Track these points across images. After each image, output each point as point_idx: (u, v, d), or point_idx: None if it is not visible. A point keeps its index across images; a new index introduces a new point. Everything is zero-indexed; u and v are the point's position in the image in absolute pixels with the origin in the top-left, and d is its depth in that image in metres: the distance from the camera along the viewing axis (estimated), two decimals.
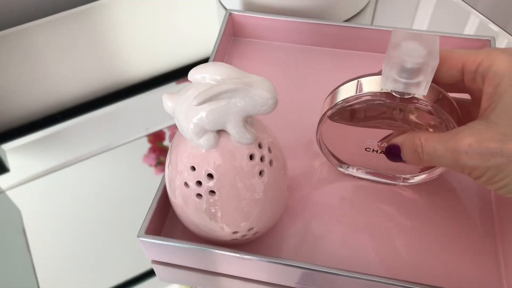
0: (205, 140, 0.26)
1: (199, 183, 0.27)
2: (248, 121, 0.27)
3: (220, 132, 0.26)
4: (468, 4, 0.50)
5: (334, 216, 0.33)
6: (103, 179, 0.39)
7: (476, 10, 0.49)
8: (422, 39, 0.26)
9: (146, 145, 0.41)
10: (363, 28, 0.42)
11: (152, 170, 0.39)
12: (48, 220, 0.37)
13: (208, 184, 0.27)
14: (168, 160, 0.29)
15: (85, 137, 0.42)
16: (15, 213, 0.37)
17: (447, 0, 0.51)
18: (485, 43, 0.40)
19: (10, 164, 0.40)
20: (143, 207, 0.32)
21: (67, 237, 0.35)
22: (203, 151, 0.27)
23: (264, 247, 0.32)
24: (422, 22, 0.49)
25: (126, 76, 0.47)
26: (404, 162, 0.29)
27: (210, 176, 0.27)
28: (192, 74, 0.26)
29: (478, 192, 0.34)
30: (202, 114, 0.25)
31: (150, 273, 0.33)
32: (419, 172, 0.33)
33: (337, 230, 0.33)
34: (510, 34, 0.46)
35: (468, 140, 0.25)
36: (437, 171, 0.32)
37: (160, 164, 0.40)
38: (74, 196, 0.38)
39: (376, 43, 0.42)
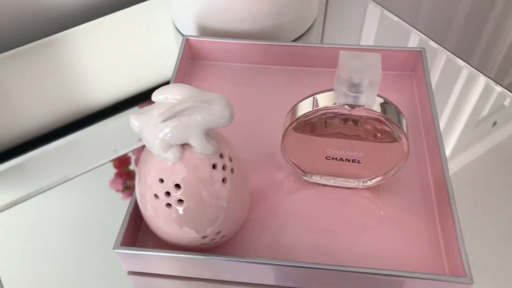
0: (171, 154, 0.29)
1: (167, 193, 0.30)
2: (209, 134, 0.30)
3: (184, 145, 0.29)
4: (408, 23, 0.55)
5: (302, 222, 0.37)
6: (70, 208, 0.39)
7: (415, 28, 0.54)
8: (366, 58, 0.30)
9: (112, 171, 0.42)
10: (309, 46, 0.46)
11: (119, 195, 0.40)
12: (14, 250, 0.37)
13: (176, 194, 0.29)
14: (137, 178, 0.32)
15: (49, 167, 0.42)
16: None
17: (389, 20, 0.56)
18: (416, 54, 0.45)
19: None
20: (112, 232, 0.34)
21: (37, 268, 0.36)
22: (170, 164, 0.29)
23: (234, 248, 0.35)
24: (367, 40, 0.54)
25: (89, 103, 0.48)
26: None
27: (177, 186, 0.29)
28: (155, 95, 0.29)
29: (421, 187, 0.38)
30: (167, 130, 0.28)
31: None
32: (375, 176, 0.37)
33: (305, 234, 0.36)
34: (447, 50, 0.51)
35: None
36: (391, 173, 0.36)
37: (127, 189, 0.41)
38: (42, 226, 0.38)
39: (323, 59, 0.46)
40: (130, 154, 0.43)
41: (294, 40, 0.52)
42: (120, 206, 0.39)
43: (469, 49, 1.15)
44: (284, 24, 0.50)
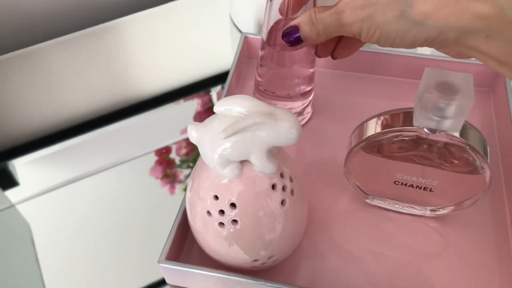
0: (229, 171, 0.26)
1: (221, 212, 0.27)
2: (272, 151, 0.27)
3: (243, 162, 0.27)
4: None
5: (359, 246, 0.34)
6: (111, 193, 0.40)
7: None
8: (455, 78, 0.27)
9: (153, 158, 0.42)
10: (375, 52, 0.42)
11: (158, 182, 0.40)
12: (57, 233, 0.37)
13: (231, 213, 0.27)
14: (190, 185, 0.30)
15: (94, 153, 0.42)
16: (25, 226, 0.38)
17: None
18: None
19: (20, 179, 0.41)
20: (151, 219, 0.36)
21: (75, 249, 0.36)
22: (226, 181, 0.27)
23: (283, 274, 0.32)
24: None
25: (135, 93, 0.48)
26: (302, 43, 0.30)
27: (233, 205, 0.27)
28: (218, 106, 0.26)
29: (494, 221, 0.34)
30: (227, 145, 0.25)
31: (159, 283, 0.34)
32: (446, 205, 0.33)
33: (360, 259, 0.33)
34: None
35: (345, 0, 0.27)
36: (466, 203, 0.32)
37: (166, 177, 0.40)
38: (82, 209, 0.38)
39: (387, 67, 0.43)
40: (172, 145, 0.43)
41: None
42: (159, 194, 0.39)
43: None
44: None
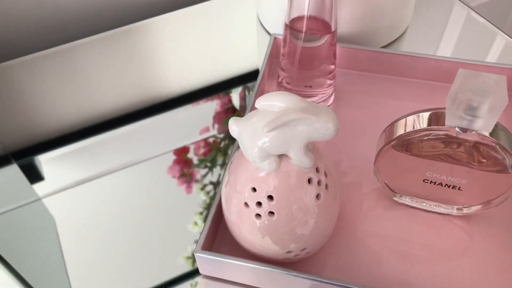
0: (268, 164, 0.27)
1: (259, 204, 0.28)
2: (308, 146, 0.28)
3: (281, 156, 0.28)
4: (495, 26, 0.51)
5: (386, 243, 0.34)
6: (130, 190, 0.41)
7: (502, 31, 0.50)
8: (489, 79, 0.27)
9: (171, 157, 0.42)
10: (403, 55, 0.43)
11: (175, 181, 0.41)
12: (80, 227, 0.38)
13: (268, 205, 0.28)
14: (225, 180, 0.31)
15: (115, 151, 0.44)
16: (50, 220, 0.39)
17: (475, 21, 0.52)
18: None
19: (46, 174, 0.42)
20: (167, 217, 0.37)
21: (99, 243, 0.37)
22: (264, 173, 0.28)
23: (314, 266, 0.33)
24: (451, 43, 0.50)
25: (158, 93, 0.49)
26: None
27: (270, 197, 0.28)
28: (259, 101, 0.27)
29: None
30: (267, 139, 0.27)
31: (180, 278, 0.35)
32: (474, 203, 0.34)
33: (387, 257, 0.34)
34: None
35: None
36: (494, 202, 0.33)
37: (183, 176, 0.41)
38: (104, 204, 0.40)
39: (413, 69, 0.44)
40: (190, 145, 0.43)
41: (384, 47, 0.50)
42: (175, 192, 0.40)
43: None
44: (376, 29, 0.47)
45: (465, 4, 0.54)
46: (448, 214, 0.35)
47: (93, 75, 0.50)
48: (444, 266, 0.33)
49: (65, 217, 0.39)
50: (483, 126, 0.28)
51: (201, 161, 0.42)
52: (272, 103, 0.27)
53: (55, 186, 0.41)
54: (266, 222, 0.29)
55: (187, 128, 0.45)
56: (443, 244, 0.34)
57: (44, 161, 0.43)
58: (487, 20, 0.52)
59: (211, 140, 0.44)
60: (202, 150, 0.43)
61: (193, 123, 0.45)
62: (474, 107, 0.27)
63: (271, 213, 0.28)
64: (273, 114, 0.26)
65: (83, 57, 0.52)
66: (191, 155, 0.43)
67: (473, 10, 0.53)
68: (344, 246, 0.34)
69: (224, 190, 0.31)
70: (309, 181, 0.28)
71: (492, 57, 0.49)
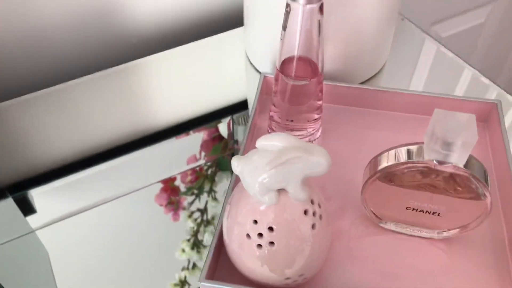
0: (268, 198, 0.30)
1: (260, 235, 0.31)
2: (304, 181, 0.31)
3: (279, 190, 0.31)
4: (463, 59, 0.56)
5: (374, 266, 0.37)
6: (120, 221, 0.42)
7: (469, 64, 0.55)
8: (460, 118, 0.31)
9: (158, 185, 0.44)
10: (382, 91, 0.47)
11: (162, 209, 0.42)
12: (72, 258, 0.40)
13: (269, 236, 0.31)
14: (226, 212, 0.33)
15: (105, 183, 0.45)
16: (43, 251, 0.40)
17: (444, 55, 0.57)
18: (491, 106, 0.45)
19: (38, 206, 0.44)
20: (155, 246, 0.39)
21: (90, 273, 0.39)
22: (265, 207, 0.31)
23: None
24: (422, 76, 0.55)
25: (148, 127, 0.51)
26: None
27: (270, 229, 0.31)
28: (260, 141, 0.30)
29: (494, 242, 0.38)
30: (267, 175, 0.29)
31: None
32: (452, 228, 0.37)
33: (376, 278, 0.37)
34: (499, 87, 0.52)
35: None
36: (470, 226, 0.36)
37: (170, 203, 0.43)
38: (95, 235, 0.41)
39: (393, 103, 0.48)
40: (177, 175, 0.45)
41: (364, 82, 0.53)
42: (162, 221, 0.42)
43: None
44: (357, 66, 0.51)
45: (434, 38, 0.59)
46: (430, 238, 0.39)
47: (84, 112, 0.52)
48: (428, 286, 0.36)
49: (57, 248, 0.41)
50: (457, 159, 0.32)
51: (188, 189, 0.44)
52: (272, 143, 0.30)
53: (48, 218, 0.42)
54: (266, 252, 0.31)
55: (174, 158, 0.47)
56: (427, 265, 0.37)
57: (36, 194, 0.45)
58: (455, 54, 0.57)
59: (198, 168, 0.45)
60: (189, 178, 0.45)
61: (181, 153, 0.47)
62: (449, 142, 0.31)
63: (272, 243, 0.31)
64: (272, 153, 0.29)
65: (75, 95, 0.54)
66: (178, 182, 0.44)
67: (442, 45, 0.58)
68: (338, 270, 0.37)
69: (225, 222, 0.33)
70: (305, 212, 0.31)
71: (460, 89, 0.53)
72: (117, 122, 0.51)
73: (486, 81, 0.53)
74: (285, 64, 0.41)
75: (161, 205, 0.43)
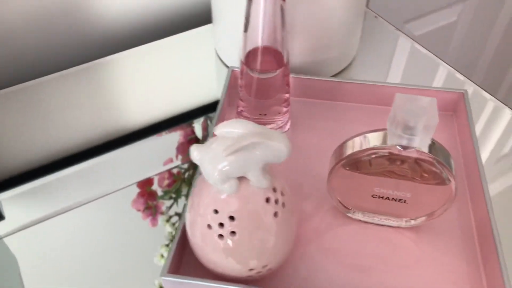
0: (228, 186, 0.29)
1: (221, 224, 0.30)
2: (265, 168, 0.30)
3: (240, 178, 0.30)
4: (437, 56, 0.56)
5: (342, 257, 0.37)
6: (94, 226, 0.41)
7: (444, 61, 0.55)
8: (422, 101, 0.31)
9: (135, 190, 0.43)
10: (351, 83, 0.47)
11: (140, 215, 0.41)
12: (43, 265, 0.38)
13: (230, 225, 0.30)
14: (189, 205, 0.33)
15: (77, 186, 0.44)
16: (12, 259, 0.39)
17: (419, 52, 0.57)
18: (459, 96, 0.45)
19: (6, 213, 0.42)
20: (133, 252, 0.38)
21: (63, 281, 0.37)
22: (225, 195, 0.30)
23: (276, 282, 0.35)
24: (397, 73, 0.55)
25: (121, 127, 0.50)
26: None
27: (231, 218, 0.30)
28: (218, 128, 0.30)
29: (462, 229, 0.38)
30: (227, 163, 0.29)
31: None
32: (420, 216, 0.37)
33: (344, 270, 0.36)
34: (475, 83, 0.52)
35: None
36: (436, 214, 0.36)
37: (148, 208, 0.42)
38: (68, 241, 0.40)
39: (362, 95, 0.47)
40: (154, 177, 0.44)
41: (334, 76, 0.53)
42: (140, 226, 0.41)
43: (496, 83, 1.16)
44: (326, 60, 0.51)
45: (408, 36, 0.59)
46: (398, 227, 0.38)
47: (54, 112, 0.51)
48: (397, 275, 0.36)
49: (27, 255, 0.39)
50: (420, 143, 0.31)
51: (165, 193, 0.43)
52: (230, 129, 0.29)
53: (17, 224, 0.41)
54: (228, 242, 0.30)
55: (151, 160, 0.46)
56: (395, 255, 0.37)
57: (4, 200, 0.43)
58: (429, 51, 0.57)
59: (175, 171, 0.45)
60: (166, 182, 0.44)
61: (157, 155, 0.46)
62: (410, 126, 0.31)
63: (233, 232, 0.30)
64: (231, 140, 0.29)
65: (43, 94, 0.53)
66: (155, 187, 0.43)
67: (416, 42, 0.58)
68: (304, 262, 0.36)
69: (188, 215, 0.33)
70: (267, 200, 0.30)
71: (436, 85, 0.53)
72: (88, 122, 0.50)
73: (461, 77, 0.53)
74: (249, 57, 0.41)
75: (138, 210, 0.42)
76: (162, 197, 0.43)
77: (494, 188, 0.43)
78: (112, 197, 0.43)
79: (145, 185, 0.43)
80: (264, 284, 0.35)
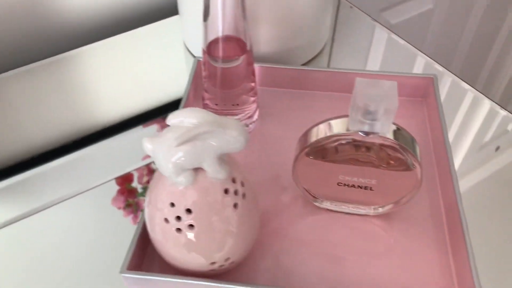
0: (184, 178, 0.28)
1: (178, 218, 0.29)
2: (222, 158, 0.29)
3: (196, 169, 0.29)
4: (414, 47, 0.55)
5: (310, 248, 0.36)
6: (73, 225, 0.39)
7: (421, 51, 0.54)
8: (382, 85, 0.30)
9: (114, 188, 0.42)
10: (321, 70, 0.46)
11: (120, 212, 0.40)
12: (19, 266, 0.37)
13: (187, 218, 0.29)
14: (147, 200, 0.31)
15: (53, 184, 0.42)
16: None
17: (396, 43, 0.56)
18: (428, 81, 0.45)
19: None
20: (113, 250, 0.36)
21: (41, 283, 0.36)
22: (181, 188, 0.29)
23: (241, 275, 0.34)
24: (374, 63, 0.54)
25: (94, 121, 0.49)
26: None
27: (188, 211, 0.29)
28: (170, 118, 0.28)
29: (431, 215, 0.38)
30: (180, 154, 0.28)
31: None
32: (387, 203, 0.36)
33: (313, 260, 0.35)
34: (452, 73, 0.52)
35: None
36: (403, 201, 0.35)
37: (128, 206, 0.41)
38: (45, 241, 0.38)
39: (334, 84, 0.46)
40: (133, 172, 0.43)
41: (304, 64, 0.52)
42: (121, 224, 0.39)
43: (475, 73, 1.16)
44: (294, 48, 0.50)
45: (384, 26, 0.58)
46: (366, 215, 0.38)
47: (22, 108, 0.49)
48: (368, 264, 0.35)
49: (2, 256, 0.38)
50: (381, 128, 0.31)
51: (145, 189, 0.42)
52: (183, 119, 0.28)
53: None
54: (187, 235, 0.29)
55: (128, 155, 0.45)
56: (365, 244, 0.36)
57: None
58: (407, 41, 0.56)
59: (154, 166, 0.44)
60: (145, 178, 0.43)
61: (135, 150, 0.45)
62: (371, 111, 0.30)
63: (191, 226, 0.29)
64: (184, 130, 0.27)
65: (10, 90, 0.51)
66: (135, 184, 0.42)
67: (393, 32, 0.57)
68: (270, 254, 0.35)
69: (146, 210, 0.32)
70: (226, 191, 0.29)
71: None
72: (58, 118, 0.49)
73: (439, 68, 0.53)
74: (211, 46, 0.39)
75: (119, 208, 0.41)
76: (142, 194, 0.42)
77: (463, 174, 0.42)
78: (91, 194, 0.41)
79: (124, 182, 0.42)
80: (230, 277, 0.34)
